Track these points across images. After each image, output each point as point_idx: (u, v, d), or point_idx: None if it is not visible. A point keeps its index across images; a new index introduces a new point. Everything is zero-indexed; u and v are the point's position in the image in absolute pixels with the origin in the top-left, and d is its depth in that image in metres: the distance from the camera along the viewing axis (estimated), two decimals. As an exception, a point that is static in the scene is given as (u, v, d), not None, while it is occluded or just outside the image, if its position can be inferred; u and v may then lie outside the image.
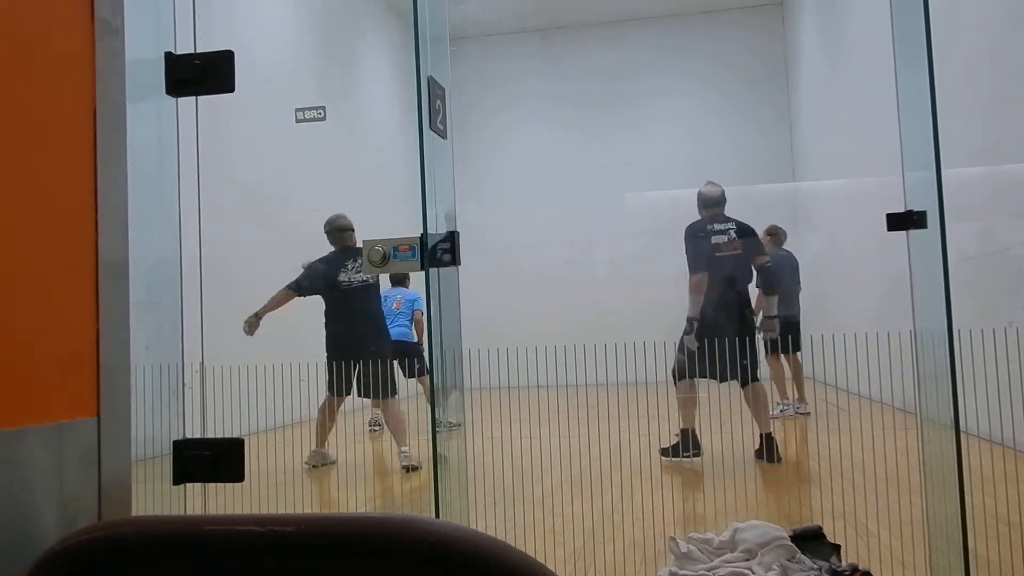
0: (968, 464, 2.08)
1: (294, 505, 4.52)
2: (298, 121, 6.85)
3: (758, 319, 5.59)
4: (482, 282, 7.37)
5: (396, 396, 5.52)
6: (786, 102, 12.37)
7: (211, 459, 1.45)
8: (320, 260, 5.60)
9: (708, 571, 2.21)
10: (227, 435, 1.50)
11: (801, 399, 7.03)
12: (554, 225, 11.70)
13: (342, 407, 5.50)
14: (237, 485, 1.48)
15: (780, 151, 12.16)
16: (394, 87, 11.64)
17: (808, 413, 6.87)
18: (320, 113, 6.83)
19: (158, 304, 1.57)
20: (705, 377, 5.00)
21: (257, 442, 5.40)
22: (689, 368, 5.02)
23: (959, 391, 2.07)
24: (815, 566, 2.17)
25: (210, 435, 1.53)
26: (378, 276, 5.64)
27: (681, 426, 4.92)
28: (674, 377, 5.09)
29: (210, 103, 1.58)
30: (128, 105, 1.14)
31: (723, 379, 5.00)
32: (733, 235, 5.22)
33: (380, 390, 5.35)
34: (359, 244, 5.83)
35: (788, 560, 2.19)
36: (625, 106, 12.64)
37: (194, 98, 1.57)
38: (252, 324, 5.49)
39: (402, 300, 6.80)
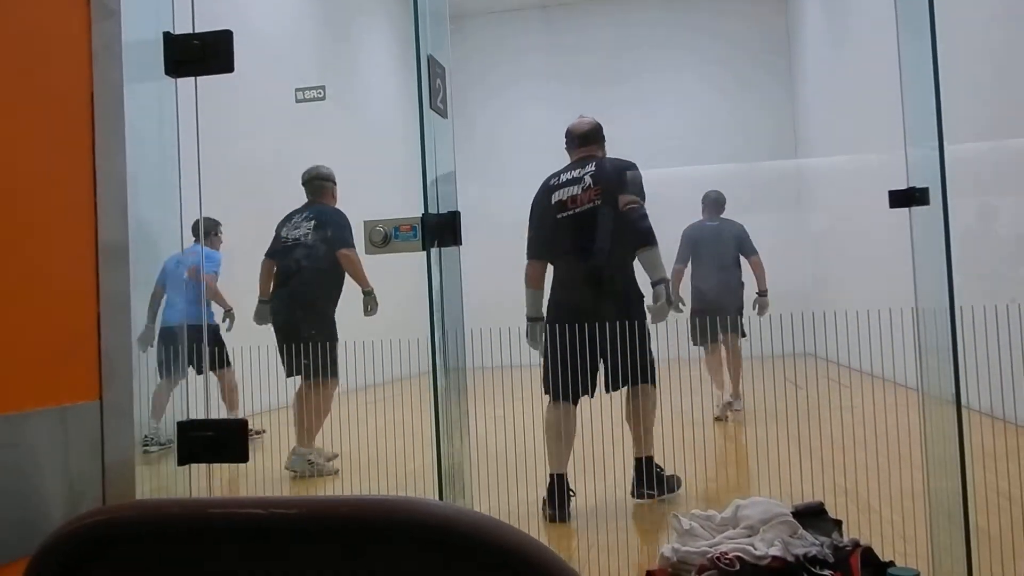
0: (969, 439, 2.09)
1: (299, 487, 4.55)
2: (298, 101, 6.80)
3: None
4: (484, 261, 7.35)
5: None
6: (789, 78, 12.28)
7: (215, 440, 1.45)
8: None
9: (710, 547, 2.23)
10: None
11: (735, 393, 5.84)
12: (556, 204, 11.64)
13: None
14: (242, 465, 1.49)
15: (783, 127, 12.09)
16: (394, 66, 11.58)
17: (738, 410, 5.71)
18: (320, 93, 6.78)
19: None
20: (575, 399, 3.63)
21: (261, 422, 5.42)
22: (556, 382, 3.60)
23: (961, 367, 2.07)
24: (817, 542, 2.19)
25: (214, 416, 1.54)
26: (309, 235, 4.75)
27: (549, 469, 3.57)
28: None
29: (209, 83, 1.58)
30: (126, 87, 1.13)
31: (587, 391, 3.64)
32: (588, 182, 3.64)
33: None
34: (324, 199, 4.87)
35: (790, 536, 2.20)
36: (627, 83, 12.55)
37: (193, 79, 1.56)
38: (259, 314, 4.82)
39: (195, 265, 4.88)
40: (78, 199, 1.02)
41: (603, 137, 3.94)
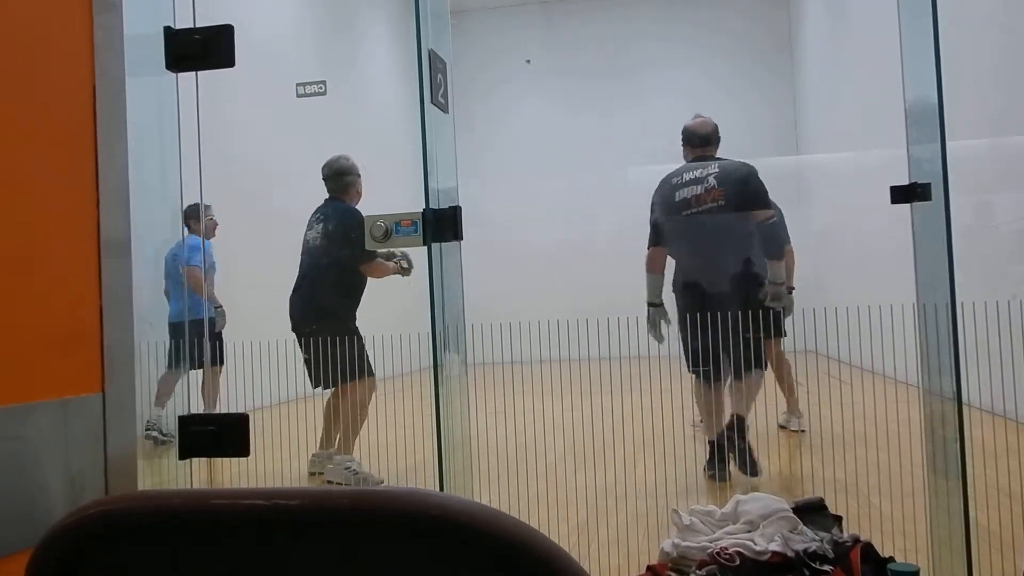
0: (970, 436, 2.09)
1: (300, 480, 4.55)
2: (299, 96, 6.78)
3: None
4: (484, 257, 7.32)
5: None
6: (791, 73, 12.26)
7: (217, 434, 1.45)
8: None
9: (710, 542, 2.23)
10: (234, 410, 1.50)
11: (792, 409, 5.11)
12: (557, 199, 11.64)
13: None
14: (243, 460, 1.49)
15: (784, 123, 12.07)
16: (395, 61, 11.56)
17: (803, 430, 4.98)
18: (321, 88, 6.74)
19: (161, 282, 1.57)
20: (707, 379, 3.90)
21: (263, 417, 5.41)
22: (696, 364, 3.90)
23: (961, 364, 2.07)
24: (817, 537, 2.19)
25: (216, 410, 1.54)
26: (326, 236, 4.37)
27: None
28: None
29: (210, 78, 1.57)
30: (128, 81, 1.13)
31: (717, 378, 3.88)
32: (712, 183, 3.85)
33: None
34: (344, 195, 4.39)
35: (790, 531, 2.20)
36: (628, 78, 12.53)
37: (194, 73, 1.56)
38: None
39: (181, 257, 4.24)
40: (80, 193, 1.02)
41: (719, 138, 4.12)
